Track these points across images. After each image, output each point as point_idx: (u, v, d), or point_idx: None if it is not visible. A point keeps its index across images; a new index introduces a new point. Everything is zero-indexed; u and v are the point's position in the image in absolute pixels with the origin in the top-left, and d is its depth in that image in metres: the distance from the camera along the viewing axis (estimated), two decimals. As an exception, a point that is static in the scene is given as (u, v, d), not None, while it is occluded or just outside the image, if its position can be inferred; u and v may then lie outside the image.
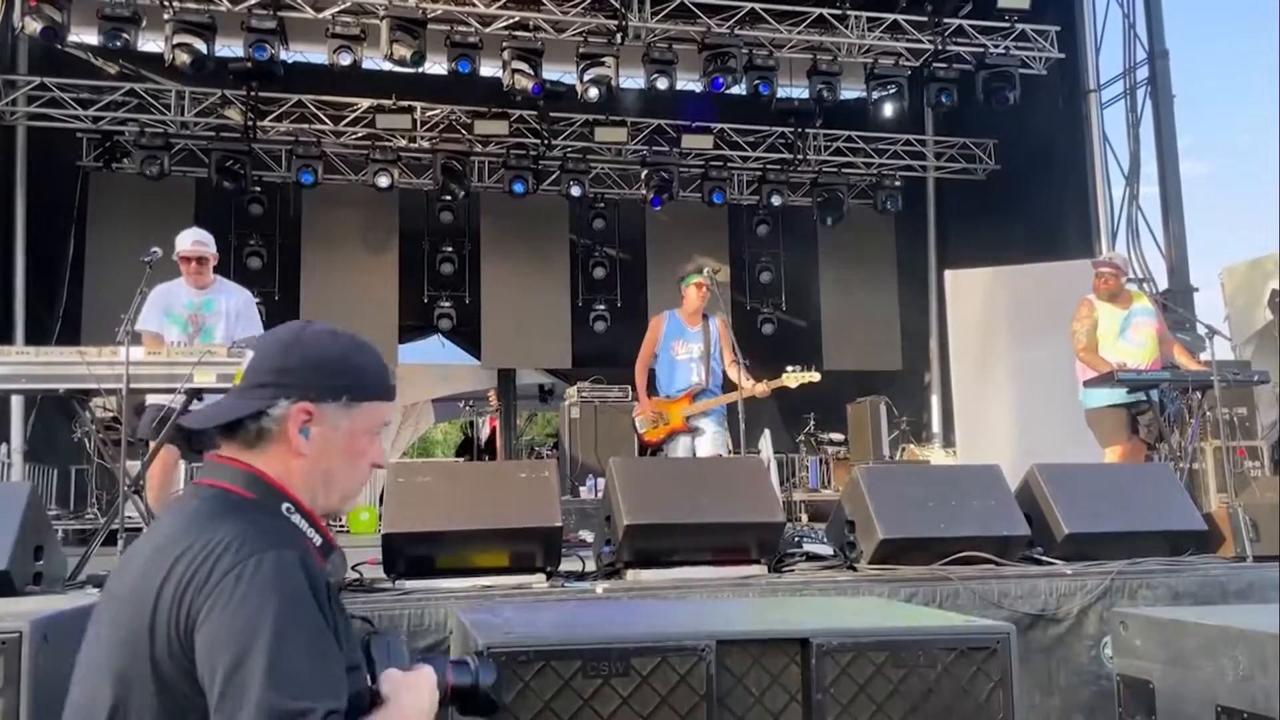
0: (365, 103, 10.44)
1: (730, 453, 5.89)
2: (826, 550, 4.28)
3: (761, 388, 5.76)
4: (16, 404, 9.00)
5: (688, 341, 5.92)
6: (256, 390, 1.42)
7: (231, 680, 1.18)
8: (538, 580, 3.56)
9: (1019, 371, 8.53)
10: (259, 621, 1.20)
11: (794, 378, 5.85)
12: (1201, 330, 5.71)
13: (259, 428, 1.41)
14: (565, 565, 3.76)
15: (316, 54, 10.15)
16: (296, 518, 1.41)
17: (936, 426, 11.79)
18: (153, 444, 4.64)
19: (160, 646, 1.24)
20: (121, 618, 1.28)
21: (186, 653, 1.23)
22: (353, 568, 3.65)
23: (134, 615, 1.26)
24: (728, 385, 5.90)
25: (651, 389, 6.04)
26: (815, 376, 5.89)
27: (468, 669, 1.51)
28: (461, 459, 12.90)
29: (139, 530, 4.03)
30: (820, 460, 10.78)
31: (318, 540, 1.42)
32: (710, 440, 5.84)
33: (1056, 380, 6.73)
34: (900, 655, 2.13)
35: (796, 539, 4.63)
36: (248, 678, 1.18)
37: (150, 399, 4.53)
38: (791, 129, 11.33)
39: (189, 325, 5.05)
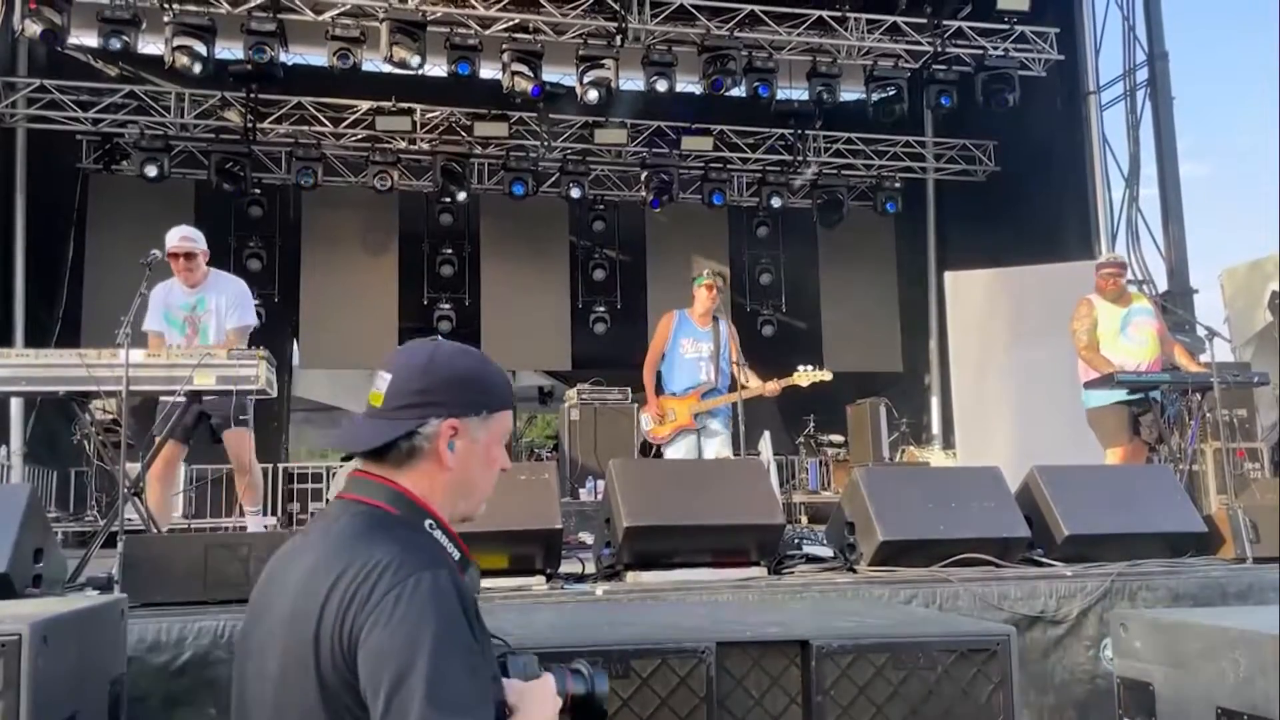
0: (365, 105, 10.45)
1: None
2: (826, 552, 4.28)
3: (772, 385, 5.77)
4: (16, 406, 9.00)
5: (698, 340, 5.91)
6: (404, 411, 1.48)
7: (394, 699, 1.25)
8: (537, 582, 3.56)
9: (1019, 373, 8.52)
10: (418, 641, 1.27)
11: (805, 376, 5.85)
12: (1201, 332, 5.71)
13: (410, 446, 1.48)
14: (565, 567, 3.76)
15: (316, 56, 10.16)
16: (438, 534, 1.48)
17: (936, 428, 11.79)
18: (157, 440, 4.66)
19: (325, 662, 1.31)
20: (289, 639, 1.35)
21: (350, 668, 1.29)
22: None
23: (299, 633, 1.33)
24: (735, 388, 5.90)
25: (657, 388, 6.03)
26: (827, 375, 5.91)
27: (583, 677, 1.53)
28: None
29: (139, 532, 4.05)
30: (820, 462, 10.78)
31: (456, 555, 1.49)
32: (720, 441, 5.83)
33: (1056, 382, 6.73)
34: (900, 657, 2.13)
35: (796, 541, 4.62)
36: (409, 696, 1.24)
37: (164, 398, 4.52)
38: (791, 131, 11.33)
39: (186, 327, 5.06)
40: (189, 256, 5.07)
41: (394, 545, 1.36)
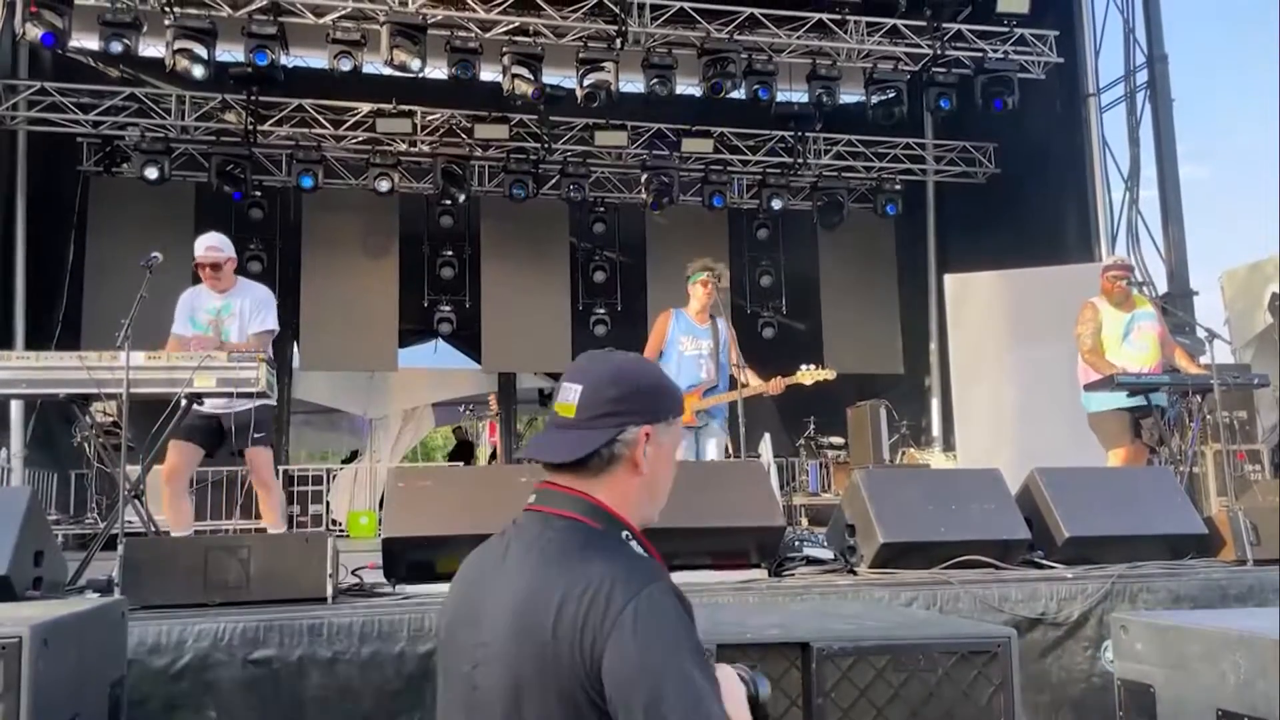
0: (365, 107, 10.46)
1: (730, 455, 5.86)
2: (827, 554, 4.28)
3: (776, 382, 5.73)
4: (16, 408, 9.00)
5: (697, 338, 5.85)
6: (601, 420, 1.51)
7: (650, 713, 1.29)
8: (538, 585, 3.55)
9: (1019, 375, 8.53)
10: (664, 654, 1.32)
11: (809, 375, 5.82)
12: (1201, 334, 5.72)
13: (610, 454, 1.51)
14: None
15: (317, 59, 10.16)
16: (634, 544, 1.52)
17: (937, 430, 11.79)
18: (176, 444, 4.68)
19: (567, 680, 1.34)
20: (518, 655, 1.39)
21: (594, 686, 1.33)
22: (353, 572, 3.65)
23: (530, 650, 1.37)
24: (734, 386, 5.86)
25: None
26: (830, 374, 5.87)
27: (746, 680, 1.54)
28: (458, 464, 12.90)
29: (139, 535, 4.06)
30: (820, 464, 10.78)
31: None
32: (718, 440, 5.79)
33: (1056, 383, 6.73)
34: (901, 659, 2.13)
35: (797, 543, 4.62)
36: (665, 709, 1.29)
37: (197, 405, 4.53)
38: (791, 133, 11.34)
39: (209, 330, 5.08)
40: (215, 266, 5.09)
41: (611, 561, 1.41)
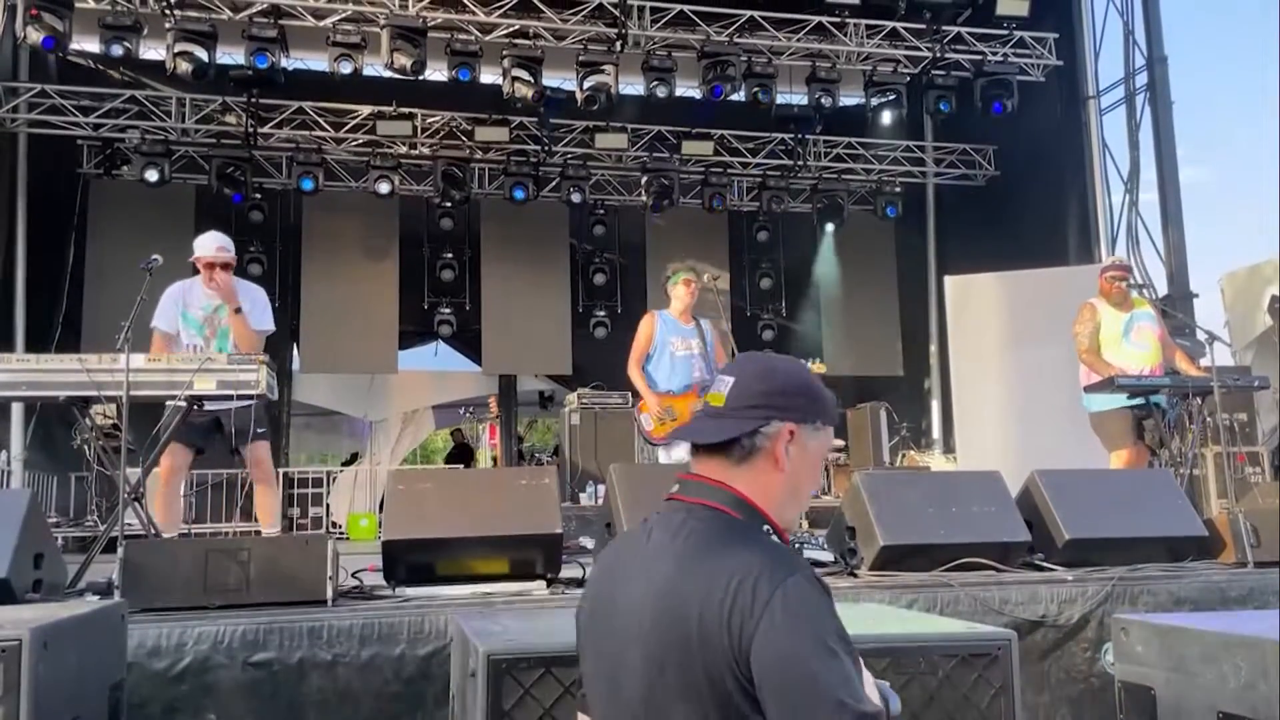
0: (366, 109, 10.46)
1: None
2: (827, 556, 4.27)
3: None
4: (17, 411, 8.99)
5: (686, 338, 5.80)
6: (747, 411, 1.56)
7: (802, 698, 1.34)
8: (538, 587, 3.55)
9: (1019, 377, 8.52)
10: (812, 641, 1.36)
11: None
12: (1201, 336, 5.72)
13: (752, 444, 1.56)
14: (566, 572, 3.76)
15: (317, 61, 10.17)
16: (773, 538, 1.55)
17: (937, 432, 11.78)
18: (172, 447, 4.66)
19: (714, 667, 1.38)
20: (660, 642, 1.43)
21: (743, 672, 1.37)
22: (352, 574, 3.65)
23: (673, 637, 1.42)
24: None
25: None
26: (822, 368, 5.87)
27: (880, 695, 1.55)
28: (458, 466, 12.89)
29: (139, 537, 4.05)
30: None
31: None
32: None
33: (1057, 386, 6.73)
34: (901, 662, 2.13)
35: (797, 545, 4.62)
36: (816, 695, 1.33)
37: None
38: (791, 135, 11.35)
39: (205, 328, 5.01)
40: (226, 266, 5.00)
41: (753, 550, 1.45)
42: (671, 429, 5.49)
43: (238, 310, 4.92)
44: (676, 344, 5.79)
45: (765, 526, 1.55)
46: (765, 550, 1.46)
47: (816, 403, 1.62)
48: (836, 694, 1.33)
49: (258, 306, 5.14)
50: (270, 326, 5.18)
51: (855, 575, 3.81)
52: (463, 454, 13.98)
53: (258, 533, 5.32)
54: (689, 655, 1.40)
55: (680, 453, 5.73)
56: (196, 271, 5.09)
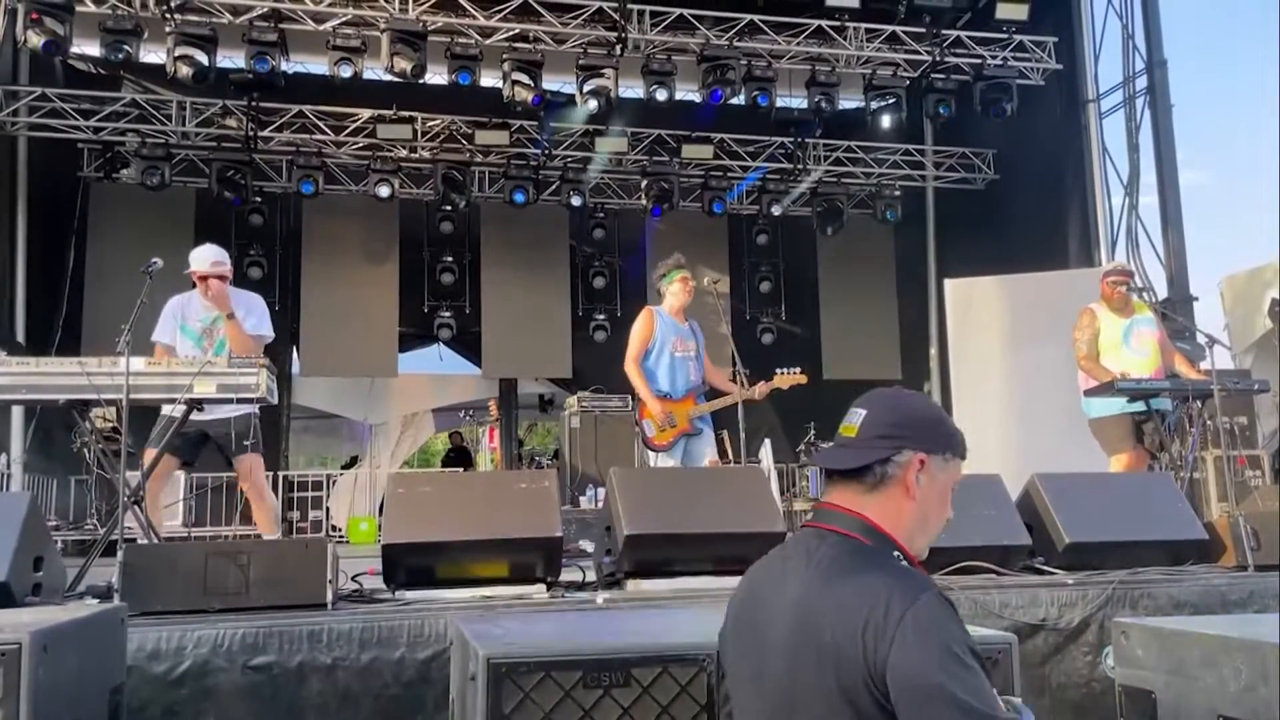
0: (366, 113, 10.47)
1: (730, 460, 5.83)
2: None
3: (761, 387, 5.70)
4: (16, 414, 9.00)
5: (684, 339, 5.70)
6: (879, 441, 1.65)
7: (938, 708, 1.40)
8: (538, 590, 3.55)
9: (1019, 380, 8.52)
10: (944, 657, 1.42)
11: (784, 380, 5.82)
12: (1201, 339, 5.72)
13: (883, 472, 1.64)
14: (566, 575, 3.76)
15: (317, 65, 10.18)
16: (903, 563, 1.64)
17: (937, 436, 11.76)
18: (151, 453, 4.65)
19: (850, 684, 1.46)
20: (794, 662, 1.53)
21: (879, 688, 1.44)
22: (352, 578, 3.65)
23: (807, 657, 1.51)
24: (711, 392, 5.85)
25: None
26: (801, 379, 5.86)
27: (1014, 708, 1.59)
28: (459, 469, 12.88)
29: (139, 541, 4.05)
30: (820, 470, 10.76)
31: None
32: (712, 448, 5.73)
33: (1057, 389, 6.73)
34: (901, 665, 2.12)
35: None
36: (952, 705, 1.40)
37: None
38: (791, 139, 11.36)
39: (203, 339, 5.02)
40: (222, 279, 5.00)
41: (883, 573, 1.53)
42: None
43: (230, 316, 4.92)
44: (676, 345, 5.69)
45: (895, 553, 1.63)
46: (895, 573, 1.54)
47: (947, 435, 1.69)
48: (969, 702, 1.39)
49: (255, 314, 5.13)
50: (269, 333, 5.17)
51: (855, 579, 3.80)
52: (461, 457, 13.97)
53: (257, 536, 5.32)
54: (823, 673, 1.48)
55: (680, 454, 5.68)
56: (194, 284, 5.09)
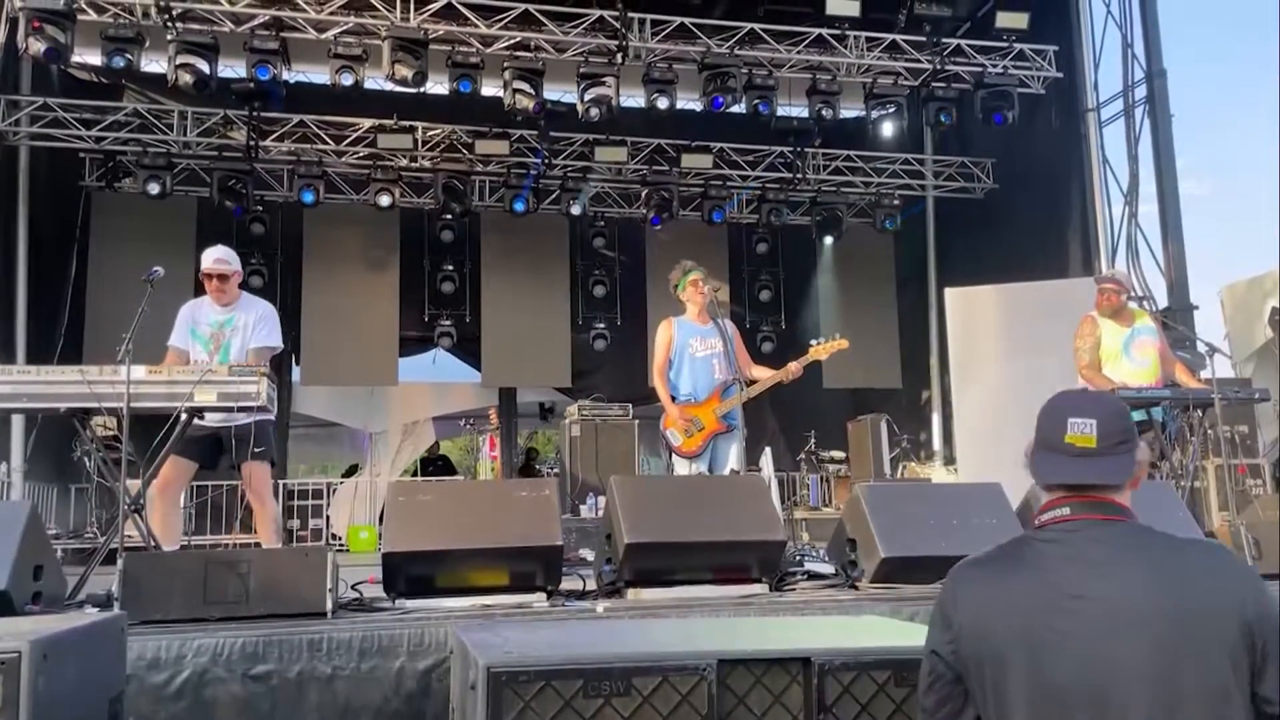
0: (367, 122, 10.50)
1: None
2: (828, 569, 4.27)
3: (794, 367, 5.62)
4: (17, 423, 9.00)
5: (706, 338, 5.65)
6: (1122, 447, 1.82)
7: None
8: (538, 599, 3.55)
9: (1020, 389, 8.49)
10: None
11: (823, 349, 5.76)
12: (1202, 348, 5.71)
13: (1131, 472, 1.83)
14: (566, 584, 3.76)
15: (319, 74, 10.21)
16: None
17: (937, 444, 11.77)
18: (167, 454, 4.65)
19: (1227, 635, 1.63)
20: (1166, 632, 1.64)
21: (1246, 634, 1.63)
22: (352, 586, 3.64)
23: (1178, 623, 1.64)
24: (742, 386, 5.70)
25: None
26: (843, 343, 5.82)
27: None
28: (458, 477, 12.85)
29: (139, 549, 4.04)
30: (821, 478, 10.75)
31: None
32: (739, 447, 5.54)
33: (1057, 398, 6.71)
34: (903, 674, 2.12)
35: (798, 557, 4.61)
36: None
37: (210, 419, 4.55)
38: (791, 148, 11.38)
39: (211, 343, 5.05)
40: (222, 278, 5.06)
41: (1191, 541, 1.81)
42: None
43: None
44: (695, 345, 5.67)
45: None
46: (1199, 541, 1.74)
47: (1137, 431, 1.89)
48: None
49: (266, 322, 5.15)
50: (278, 343, 5.18)
51: (856, 588, 3.81)
52: (440, 464, 13.75)
53: (257, 545, 5.32)
54: (1200, 633, 1.63)
55: (721, 455, 5.60)
56: (203, 290, 5.17)
